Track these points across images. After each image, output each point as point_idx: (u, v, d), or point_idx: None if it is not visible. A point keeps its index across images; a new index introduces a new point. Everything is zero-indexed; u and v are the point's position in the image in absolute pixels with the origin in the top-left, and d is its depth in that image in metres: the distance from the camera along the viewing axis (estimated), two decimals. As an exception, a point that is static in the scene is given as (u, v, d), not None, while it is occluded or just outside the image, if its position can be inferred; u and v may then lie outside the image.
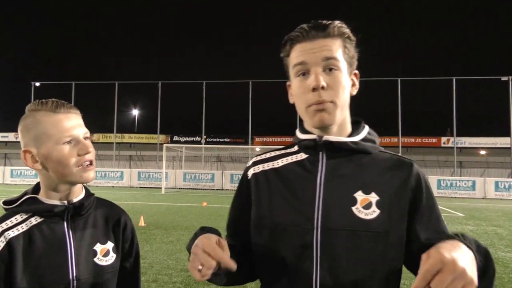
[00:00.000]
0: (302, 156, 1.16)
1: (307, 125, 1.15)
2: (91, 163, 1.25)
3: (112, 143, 33.32)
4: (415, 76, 30.86)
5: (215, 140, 35.37)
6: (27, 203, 1.25)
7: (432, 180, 23.84)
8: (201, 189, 25.32)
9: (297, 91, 1.11)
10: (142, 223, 9.47)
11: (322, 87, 1.04)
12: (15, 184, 26.93)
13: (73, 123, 1.23)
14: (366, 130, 1.18)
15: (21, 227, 1.20)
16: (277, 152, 1.24)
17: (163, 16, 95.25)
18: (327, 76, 1.05)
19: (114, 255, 1.31)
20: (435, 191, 23.41)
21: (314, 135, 1.13)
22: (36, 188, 1.29)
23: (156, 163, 32.54)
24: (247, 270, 1.18)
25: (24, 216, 1.22)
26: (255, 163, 1.24)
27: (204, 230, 1.09)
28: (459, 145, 31.91)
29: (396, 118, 29.39)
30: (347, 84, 1.10)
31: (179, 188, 25.62)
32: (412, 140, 33.75)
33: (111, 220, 1.35)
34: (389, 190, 1.08)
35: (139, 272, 1.43)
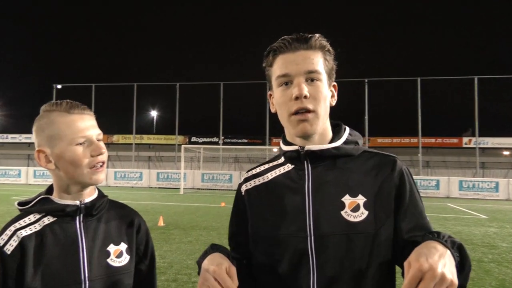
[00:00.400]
0: (289, 167, 1.21)
1: (289, 135, 1.22)
2: (102, 165, 1.25)
3: (132, 144, 33.77)
4: (436, 75, 30.32)
5: (232, 141, 35.47)
6: (40, 203, 1.25)
7: (454, 181, 23.39)
8: (219, 189, 25.42)
9: (280, 100, 1.15)
10: (161, 223, 9.57)
11: (305, 96, 1.09)
12: (38, 185, 27.55)
13: (86, 124, 1.24)
14: (347, 132, 1.21)
15: (34, 226, 1.20)
16: (266, 166, 1.29)
17: (180, 18, 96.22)
18: (309, 86, 1.10)
19: (128, 257, 1.30)
20: (457, 193, 22.96)
21: (297, 146, 1.17)
22: (50, 189, 1.30)
23: (174, 163, 32.84)
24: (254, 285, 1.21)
25: (37, 216, 1.23)
26: (246, 180, 1.29)
27: (214, 249, 1.12)
28: (481, 146, 31.19)
29: (416, 118, 28.92)
30: (327, 94, 1.15)
31: (197, 189, 25.78)
32: (432, 140, 33.15)
33: (125, 222, 1.35)
34: (375, 190, 1.12)
35: (155, 274, 1.43)
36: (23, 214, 1.24)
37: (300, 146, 1.16)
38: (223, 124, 32.54)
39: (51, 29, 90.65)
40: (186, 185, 25.47)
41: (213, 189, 25.39)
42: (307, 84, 1.09)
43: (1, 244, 1.17)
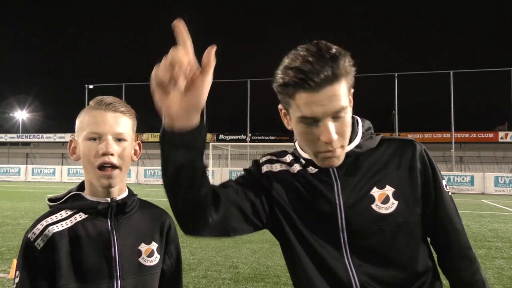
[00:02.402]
0: (312, 170, 1.16)
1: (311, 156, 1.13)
2: (113, 169, 1.18)
3: (161, 142, 34.38)
4: (469, 68, 29.29)
5: (260, 138, 35.50)
6: (71, 199, 1.24)
7: (489, 177, 22.58)
8: (247, 186, 25.50)
9: (305, 136, 1.07)
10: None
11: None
12: (72, 182, 28.45)
13: (106, 121, 1.19)
14: (360, 125, 1.17)
15: (66, 223, 1.19)
16: (287, 159, 1.22)
17: (205, 14, 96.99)
18: (335, 123, 1.02)
19: (158, 256, 1.29)
20: (493, 189, 22.17)
21: None
22: (82, 186, 1.29)
23: (202, 161, 33.17)
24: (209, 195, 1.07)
25: (69, 213, 1.21)
26: (270, 161, 1.23)
27: None
28: (518, 140, 29.97)
29: (449, 113, 28.05)
30: (350, 118, 1.08)
31: (226, 186, 25.93)
32: (467, 135, 32.10)
33: (156, 221, 1.33)
34: (401, 178, 1.12)
35: (181, 274, 1.41)
36: (54, 210, 1.23)
37: None
38: (250, 121, 32.60)
39: (83, 32, 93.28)
40: (214, 182, 25.59)
41: (241, 186, 25.51)
42: (333, 122, 1.01)
43: (32, 239, 1.16)
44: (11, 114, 48.95)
